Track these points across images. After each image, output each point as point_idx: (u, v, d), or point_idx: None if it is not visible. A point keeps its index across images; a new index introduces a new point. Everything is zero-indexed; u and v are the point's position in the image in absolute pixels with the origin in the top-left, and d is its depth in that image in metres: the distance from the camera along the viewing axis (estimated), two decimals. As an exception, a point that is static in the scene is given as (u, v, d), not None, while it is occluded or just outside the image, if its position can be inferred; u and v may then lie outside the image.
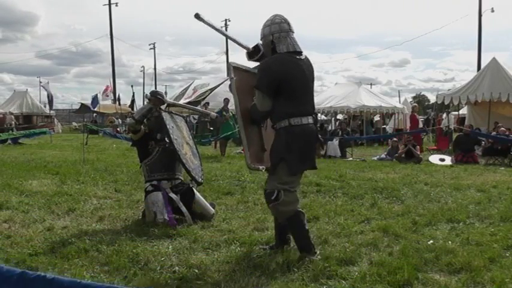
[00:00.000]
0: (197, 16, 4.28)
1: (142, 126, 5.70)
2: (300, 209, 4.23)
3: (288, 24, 4.22)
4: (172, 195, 5.52)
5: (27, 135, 12.62)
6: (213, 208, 5.75)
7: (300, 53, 4.23)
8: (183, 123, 6.03)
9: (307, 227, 4.22)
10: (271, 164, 4.14)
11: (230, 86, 4.27)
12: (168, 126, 5.40)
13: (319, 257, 4.06)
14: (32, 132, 13.30)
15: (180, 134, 5.63)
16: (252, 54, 4.39)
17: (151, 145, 5.69)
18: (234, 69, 4.23)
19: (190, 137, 6.05)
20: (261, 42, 4.36)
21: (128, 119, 5.92)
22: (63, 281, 1.77)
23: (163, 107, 5.80)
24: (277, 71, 4.04)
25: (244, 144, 4.22)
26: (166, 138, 5.55)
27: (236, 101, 4.18)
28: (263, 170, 4.33)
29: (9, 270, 1.83)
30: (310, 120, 4.19)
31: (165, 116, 5.52)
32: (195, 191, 5.67)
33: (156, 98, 5.64)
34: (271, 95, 4.06)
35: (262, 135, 4.38)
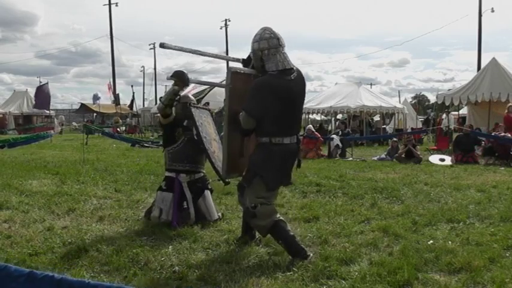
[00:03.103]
0: (162, 45, 4.37)
1: (173, 111, 5.52)
2: (279, 218, 4.18)
3: (278, 39, 4.13)
4: (187, 193, 5.41)
5: (25, 142, 12.53)
6: (220, 219, 5.53)
7: (291, 70, 4.14)
8: (210, 117, 5.82)
9: (291, 233, 4.20)
10: (248, 177, 4.18)
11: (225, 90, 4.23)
12: (197, 123, 5.22)
13: (314, 259, 4.02)
14: (30, 138, 13.13)
15: (208, 130, 5.44)
16: (246, 63, 4.38)
17: (178, 132, 5.54)
18: (232, 75, 4.14)
19: (216, 132, 5.81)
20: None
21: (159, 103, 5.64)
22: (72, 282, 1.77)
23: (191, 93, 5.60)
24: (266, 96, 3.99)
25: (223, 154, 4.24)
26: (195, 136, 5.35)
27: (226, 109, 4.18)
28: (237, 178, 4.44)
29: (17, 269, 1.84)
30: (293, 140, 4.20)
31: (194, 111, 5.31)
32: (209, 193, 5.57)
33: (178, 78, 5.28)
34: (255, 117, 4.05)
35: (244, 141, 4.39)
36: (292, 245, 4.09)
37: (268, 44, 4.09)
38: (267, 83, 4.05)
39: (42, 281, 1.77)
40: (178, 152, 5.50)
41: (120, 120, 33.87)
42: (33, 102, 34.59)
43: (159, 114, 5.79)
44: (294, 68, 4.20)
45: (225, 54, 4.70)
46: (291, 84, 4.12)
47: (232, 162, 4.30)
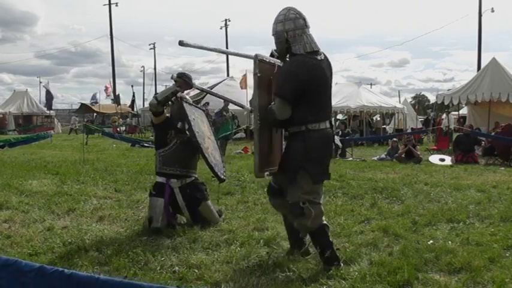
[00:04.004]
0: (181, 43, 4.05)
1: (165, 110, 5.38)
2: (325, 222, 3.99)
3: (304, 19, 3.88)
4: (179, 198, 5.26)
5: (25, 141, 12.51)
6: (220, 216, 5.48)
7: (318, 52, 3.91)
8: (204, 116, 5.70)
9: (330, 240, 3.99)
10: (290, 173, 3.89)
11: (253, 81, 3.91)
12: (189, 118, 5.06)
13: (343, 266, 3.87)
14: (31, 138, 13.11)
15: (201, 127, 5.31)
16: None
17: (170, 134, 5.33)
18: (259, 63, 3.82)
19: (211, 131, 5.74)
20: (273, 49, 4.06)
21: (152, 99, 5.43)
22: (81, 276, 1.78)
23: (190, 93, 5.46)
24: (303, 77, 3.73)
25: (255, 150, 3.91)
26: (187, 131, 5.21)
27: (256, 101, 3.84)
28: (267, 177, 4.12)
29: (28, 264, 1.86)
30: (328, 124, 3.96)
31: (187, 107, 5.17)
32: (207, 196, 5.43)
33: (182, 80, 5.19)
34: (293, 103, 3.76)
35: (272, 136, 4.14)
36: (328, 253, 3.87)
37: (294, 25, 3.84)
38: (302, 64, 3.78)
39: (52, 276, 1.79)
40: (170, 155, 5.29)
41: (120, 120, 33.85)
42: (44, 101, 34.63)
43: (151, 113, 5.55)
44: (320, 50, 3.96)
45: (243, 53, 4.41)
46: (323, 65, 3.91)
47: (265, 160, 4.00)
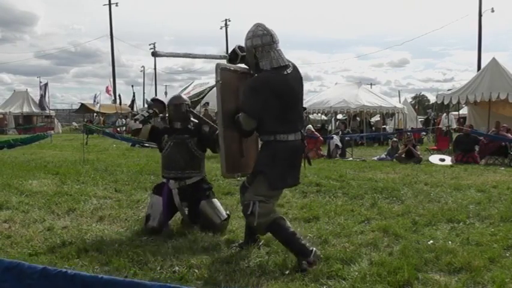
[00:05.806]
0: (153, 54, 4.39)
1: (142, 126, 5.39)
2: (279, 215, 4.08)
3: (271, 35, 4.02)
4: (176, 199, 5.21)
5: (24, 142, 12.51)
6: (227, 219, 5.27)
7: (286, 66, 4.04)
8: None
9: (291, 230, 4.04)
10: (252, 175, 4.07)
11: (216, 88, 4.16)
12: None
13: (318, 252, 3.99)
14: (30, 138, 13.13)
15: None
16: (232, 59, 4.31)
17: (164, 139, 5.36)
18: (221, 71, 4.07)
19: None
20: (237, 46, 4.28)
21: (131, 121, 5.67)
22: (85, 277, 1.80)
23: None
24: (264, 94, 3.89)
25: (221, 152, 4.13)
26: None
27: (219, 106, 4.06)
28: (238, 178, 4.32)
29: (31, 266, 1.88)
30: (298, 136, 4.07)
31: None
32: (212, 196, 5.38)
33: (155, 104, 5.51)
34: (256, 117, 3.95)
35: (242, 140, 4.30)
36: (292, 244, 3.96)
37: (261, 41, 4.00)
38: (264, 80, 3.97)
39: (56, 277, 1.81)
40: (166, 158, 5.33)
41: (100, 120, 33.87)
42: (37, 102, 34.59)
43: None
44: (290, 64, 4.11)
45: (215, 54, 4.65)
46: (288, 78, 4.03)
47: (233, 162, 4.21)
